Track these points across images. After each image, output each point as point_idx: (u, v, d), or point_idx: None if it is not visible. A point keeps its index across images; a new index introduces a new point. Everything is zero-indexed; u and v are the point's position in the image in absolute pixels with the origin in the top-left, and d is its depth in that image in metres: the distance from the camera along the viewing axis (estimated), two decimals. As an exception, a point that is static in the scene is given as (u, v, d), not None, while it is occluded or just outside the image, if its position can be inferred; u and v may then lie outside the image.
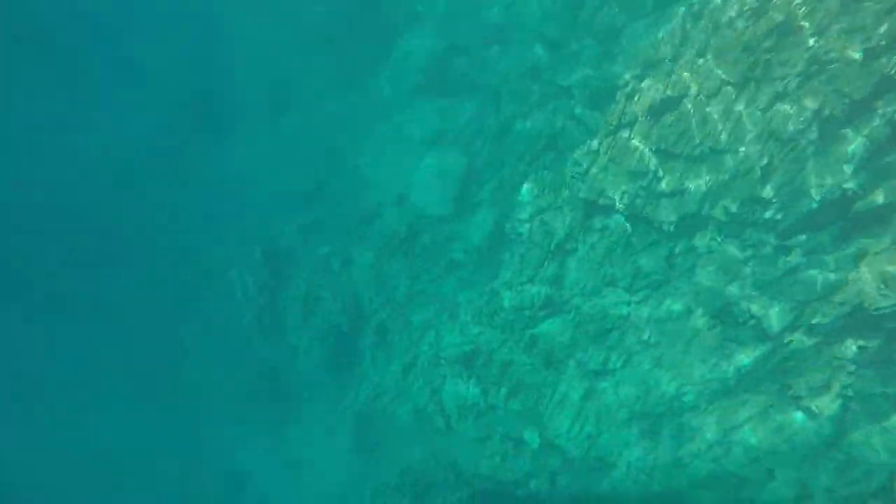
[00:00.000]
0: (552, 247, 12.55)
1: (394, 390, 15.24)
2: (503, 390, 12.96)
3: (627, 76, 11.26)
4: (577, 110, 14.55)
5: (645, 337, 11.69)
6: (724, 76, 9.41)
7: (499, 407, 13.37)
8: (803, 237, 9.35)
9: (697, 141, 9.94)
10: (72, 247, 23.83)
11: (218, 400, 19.32)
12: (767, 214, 9.35)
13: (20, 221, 23.97)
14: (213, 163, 23.44)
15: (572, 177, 11.81)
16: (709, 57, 9.65)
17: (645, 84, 10.66)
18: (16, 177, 24.22)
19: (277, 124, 22.06)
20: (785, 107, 8.85)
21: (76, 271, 23.02)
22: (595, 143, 11.31)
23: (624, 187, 11.08)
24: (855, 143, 8.40)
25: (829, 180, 8.72)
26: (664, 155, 10.43)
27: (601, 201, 11.53)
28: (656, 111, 10.40)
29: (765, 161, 9.07)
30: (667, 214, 10.93)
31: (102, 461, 21.26)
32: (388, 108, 18.78)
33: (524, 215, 12.95)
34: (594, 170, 11.37)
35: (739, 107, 9.20)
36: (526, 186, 12.92)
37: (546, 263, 12.77)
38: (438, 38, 18.08)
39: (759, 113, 9.04)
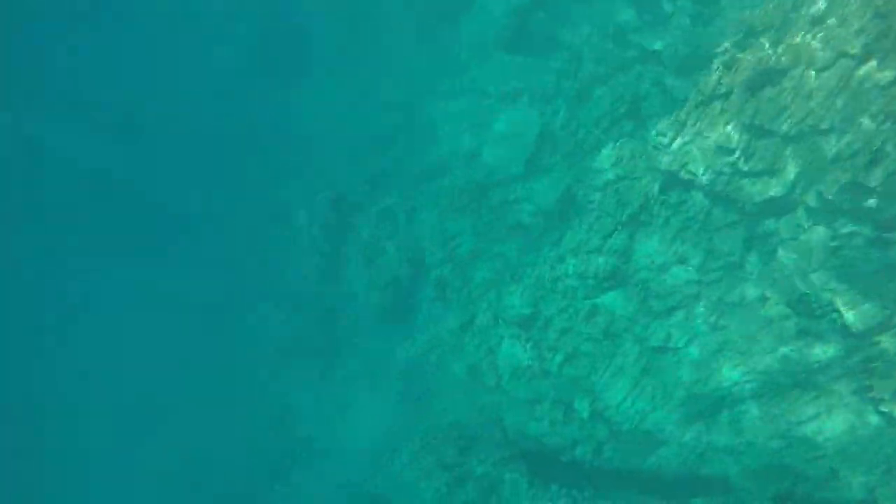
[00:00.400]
0: (624, 217, 12.08)
1: (449, 344, 15.35)
2: (559, 356, 12.80)
3: (727, 43, 10.48)
4: (665, 77, 13.79)
5: (712, 319, 11.22)
6: (843, 47, 8.56)
7: (552, 372, 13.24)
8: (906, 231, 8.63)
9: (798, 118, 9.19)
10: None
11: (275, 337, 19.99)
12: (868, 203, 8.61)
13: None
14: (287, 106, 23.70)
15: (654, 147, 11.23)
16: (828, 24, 8.78)
17: (746, 53, 9.88)
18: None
19: (353, 72, 21.97)
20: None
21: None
22: (682, 114, 10.65)
23: (708, 162, 10.46)
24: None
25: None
26: (758, 131, 9.73)
27: (682, 175, 10.95)
28: (755, 83, 9.65)
29: (877, 144, 8.27)
30: (751, 194, 10.30)
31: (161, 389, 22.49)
32: (465, 61, 18.34)
33: (598, 182, 12.49)
34: (679, 142, 10.77)
35: (857, 82, 8.37)
36: (603, 153, 12.40)
37: (616, 234, 12.34)
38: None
39: (879, 90, 8.21)
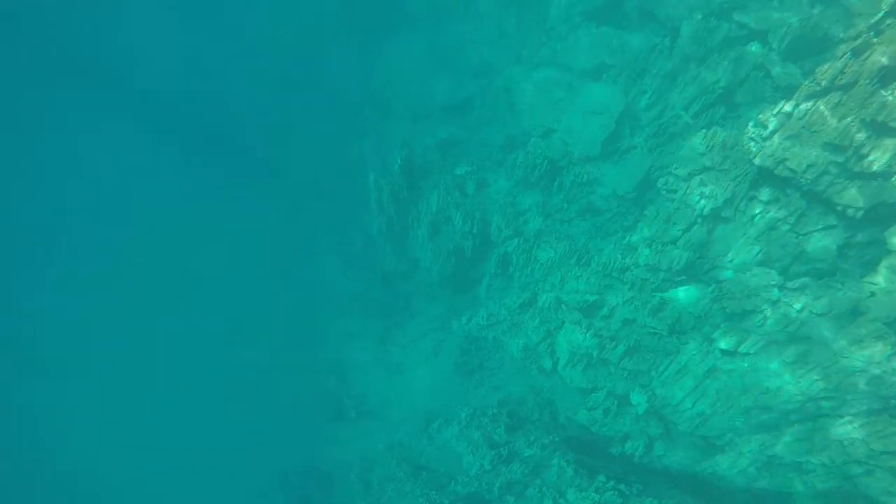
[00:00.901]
0: (706, 211, 11.21)
1: (507, 322, 14.99)
2: (620, 347, 12.20)
3: (861, 25, 9.25)
4: (771, 61, 12.53)
5: (792, 328, 10.32)
6: None
7: (611, 363, 12.69)
8: None
9: (930, 119, 8.07)
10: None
11: (336, 294, 20.22)
12: None
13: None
14: (369, 62, 23.43)
15: (750, 139, 10.23)
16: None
17: (884, 38, 8.67)
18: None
19: (438, 33, 21.36)
20: None
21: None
22: (789, 105, 9.59)
23: (813, 160, 9.42)
24: None
25: None
26: (880, 129, 8.63)
27: (778, 171, 9.95)
28: (889, 74, 8.49)
29: None
30: (857, 198, 9.24)
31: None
32: (550, 31, 17.37)
33: (682, 172, 11.58)
34: (780, 135, 9.73)
35: None
36: (691, 141, 11.45)
37: (695, 227, 11.50)
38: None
39: None
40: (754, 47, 13.02)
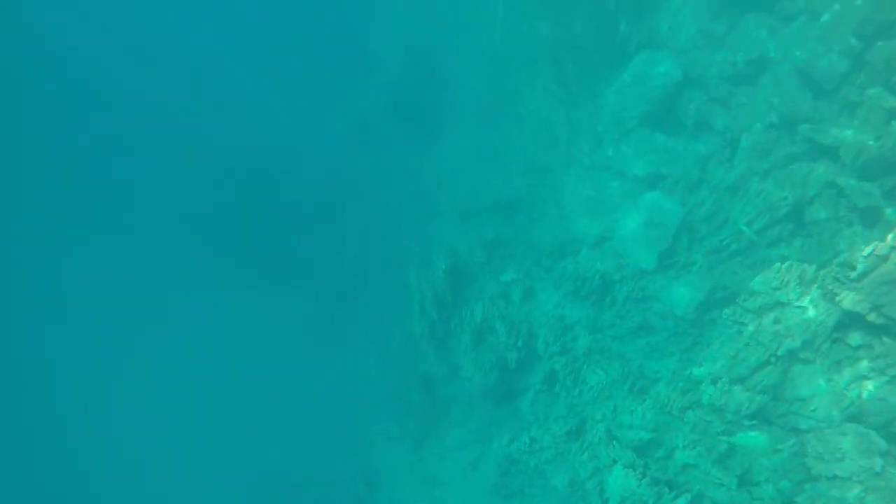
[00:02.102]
0: (781, 351, 9.69)
1: (553, 450, 13.39)
2: (681, 500, 10.46)
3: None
4: (843, 179, 11.20)
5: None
6: None
7: (670, 514, 10.93)
8: None
9: None
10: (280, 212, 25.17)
11: (371, 393, 19.08)
12: None
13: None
14: (417, 157, 23.15)
15: (835, 278, 8.81)
16: None
17: None
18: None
19: (482, 132, 20.95)
20: None
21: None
22: (883, 247, 8.16)
23: (916, 310, 7.91)
24: None
25: None
26: None
27: (872, 318, 8.45)
28: None
29: None
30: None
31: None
32: (603, 134, 16.57)
33: (752, 304, 10.15)
34: (874, 279, 8.29)
35: None
36: (762, 276, 10.04)
37: (768, 367, 9.94)
38: (676, 65, 15.35)
39: None
40: (823, 164, 11.77)
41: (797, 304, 9.51)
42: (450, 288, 15.41)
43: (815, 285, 9.26)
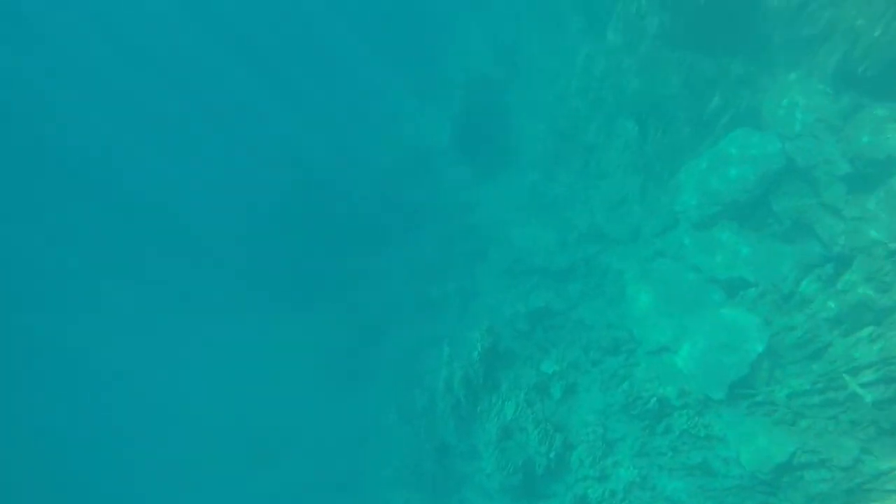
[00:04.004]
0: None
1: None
2: None
3: None
4: None
5: None
6: None
7: None
8: None
9: None
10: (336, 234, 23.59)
11: (384, 445, 17.24)
12: None
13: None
14: (466, 196, 21.11)
15: None
16: None
17: None
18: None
19: (544, 181, 18.68)
20: None
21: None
22: None
23: None
24: None
25: None
26: None
27: None
28: None
29: None
30: None
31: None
32: (680, 215, 14.05)
33: (850, 484, 7.64)
34: None
35: None
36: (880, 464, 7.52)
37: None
38: (778, 151, 12.66)
39: None
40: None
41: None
42: (483, 369, 13.30)
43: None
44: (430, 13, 26.27)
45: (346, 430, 19.44)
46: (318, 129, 26.98)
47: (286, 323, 22.17)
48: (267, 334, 22.30)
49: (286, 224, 22.82)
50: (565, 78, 18.08)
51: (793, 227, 12.05)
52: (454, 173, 22.00)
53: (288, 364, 21.43)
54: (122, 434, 22.20)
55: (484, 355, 13.14)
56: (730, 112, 13.92)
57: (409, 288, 20.44)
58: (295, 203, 23.95)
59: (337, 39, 29.16)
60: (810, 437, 9.53)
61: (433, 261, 20.25)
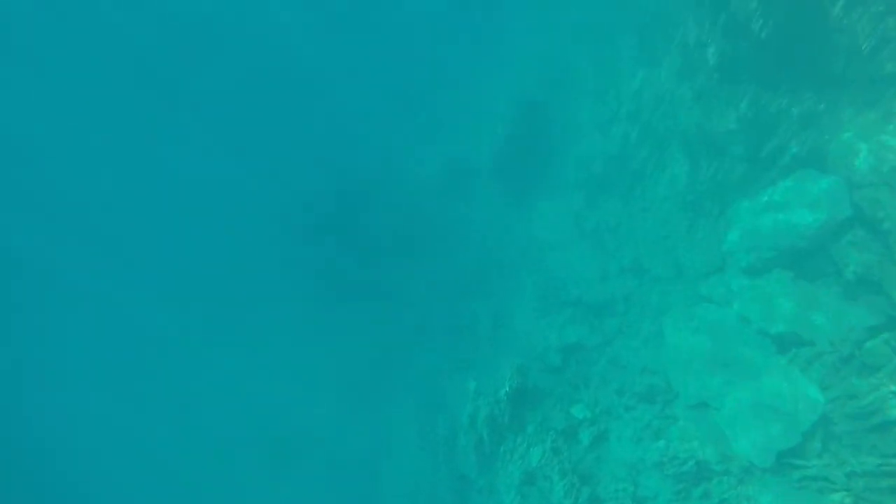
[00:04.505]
0: None
1: None
2: None
3: None
4: None
5: None
6: None
7: None
8: None
9: None
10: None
11: (401, 468, 16.68)
12: None
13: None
14: (505, 217, 20.39)
15: None
16: None
17: None
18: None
19: (585, 208, 17.84)
20: None
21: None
22: None
23: None
24: None
25: None
26: None
27: None
28: None
29: None
30: None
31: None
32: (728, 256, 13.03)
33: None
34: None
35: None
36: None
37: None
38: (845, 197, 11.52)
39: None
40: None
41: None
42: (510, 409, 12.61)
43: None
44: (483, 29, 25.75)
45: (365, 444, 19.04)
46: (360, 135, 26.77)
47: (313, 328, 21.95)
48: (293, 339, 22.10)
49: (320, 230, 22.63)
50: (615, 102, 17.23)
51: (857, 283, 10.92)
52: (495, 191, 21.36)
53: (312, 369, 21.19)
54: (140, 436, 22.34)
55: (511, 395, 12.45)
56: (791, 151, 12.83)
57: (440, 305, 19.91)
58: (330, 209, 23.78)
59: (388, 50, 28.97)
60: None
61: (467, 280, 19.66)
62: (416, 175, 23.22)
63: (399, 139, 25.04)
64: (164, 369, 22.89)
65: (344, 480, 18.58)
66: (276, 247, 23.96)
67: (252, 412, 21.40)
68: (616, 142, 17.08)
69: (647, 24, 15.95)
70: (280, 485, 19.83)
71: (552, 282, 17.15)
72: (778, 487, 9.64)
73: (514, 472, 12.30)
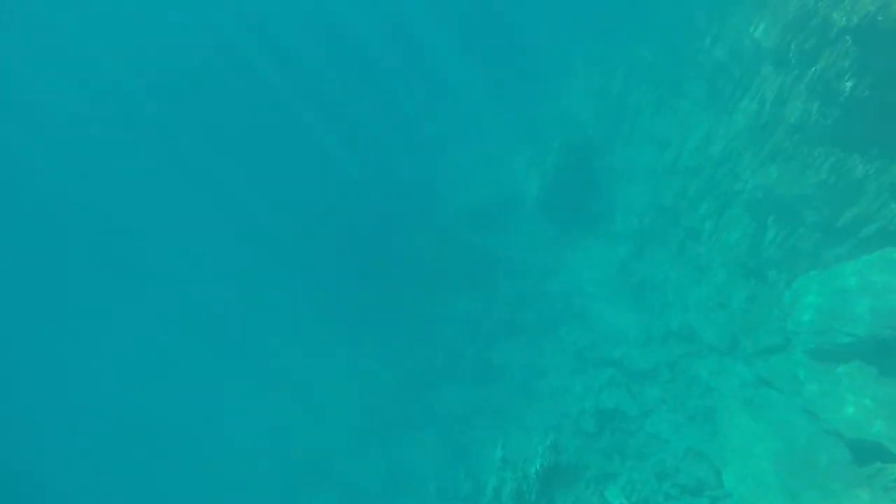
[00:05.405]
0: None
1: None
2: None
3: None
4: None
5: None
6: None
7: None
8: None
9: None
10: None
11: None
12: None
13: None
14: (546, 256, 19.03)
15: None
16: None
17: None
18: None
19: (636, 260, 16.38)
20: None
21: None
22: None
23: None
24: None
25: None
26: None
27: None
28: None
29: None
30: None
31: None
32: (794, 338, 11.36)
33: None
34: None
35: None
36: None
37: None
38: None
39: None
40: None
41: None
42: (539, 486, 11.26)
43: None
44: (540, 57, 24.63)
45: (379, 479, 17.87)
46: (403, 159, 25.95)
47: (337, 352, 21.06)
48: (314, 362, 21.27)
49: (350, 252, 21.79)
50: (676, 150, 15.75)
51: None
52: (537, 229, 20.05)
53: (331, 395, 20.23)
54: (156, 457, 21.82)
55: (542, 473, 11.11)
56: (876, 224, 11.16)
57: (470, 344, 18.65)
58: (364, 232, 22.93)
59: (438, 70, 28.23)
60: None
61: (500, 321, 18.37)
62: (457, 203, 22.17)
63: (443, 164, 24.10)
64: (181, 390, 22.40)
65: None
66: (304, 266, 23.30)
67: (266, 435, 20.62)
68: (671, 193, 15.59)
69: (719, 71, 14.47)
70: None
71: (591, 335, 15.73)
72: None
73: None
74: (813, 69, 10.98)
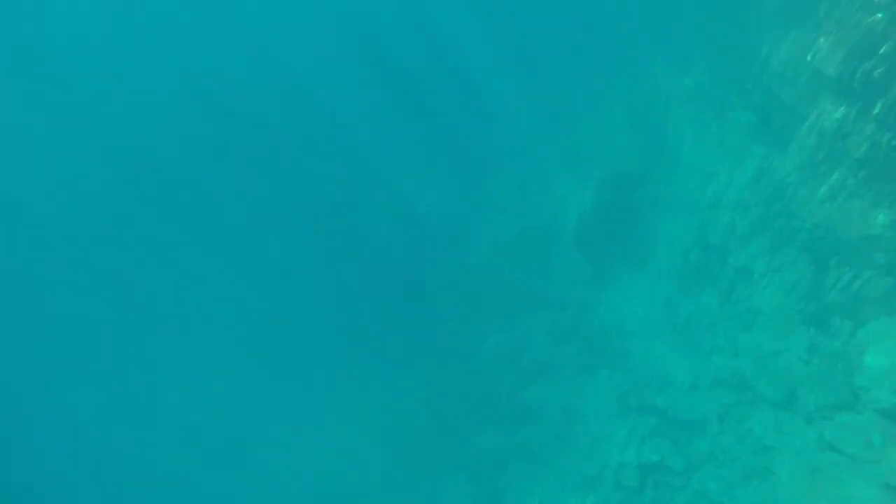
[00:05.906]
0: None
1: None
2: None
3: None
4: None
5: None
6: None
7: None
8: None
9: None
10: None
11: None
12: None
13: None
14: (579, 292, 18.03)
15: None
16: None
17: None
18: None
19: (681, 300, 15.28)
20: None
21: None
22: None
23: None
24: None
25: None
26: None
27: None
28: None
29: None
30: None
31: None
32: (864, 394, 10.14)
33: None
34: None
35: None
36: None
37: None
38: None
39: None
40: None
41: None
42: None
43: None
44: (580, 85, 23.85)
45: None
46: (439, 189, 25.49)
47: (370, 388, 20.50)
48: (347, 398, 20.75)
49: (385, 285, 21.33)
50: (723, 184, 14.69)
51: None
52: (576, 263, 19.12)
53: (363, 434, 19.62)
54: (183, 478, 21.66)
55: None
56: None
57: (504, 383, 17.79)
58: (401, 261, 22.48)
59: (480, 100, 27.81)
60: None
61: (536, 359, 17.46)
62: (494, 234, 21.48)
63: (480, 194, 23.51)
64: (212, 425, 22.29)
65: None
66: (337, 299, 22.97)
67: (297, 472, 20.15)
68: (719, 230, 14.49)
69: (769, 99, 13.44)
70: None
71: (634, 377, 14.66)
72: None
73: None
74: (882, 100, 9.92)
